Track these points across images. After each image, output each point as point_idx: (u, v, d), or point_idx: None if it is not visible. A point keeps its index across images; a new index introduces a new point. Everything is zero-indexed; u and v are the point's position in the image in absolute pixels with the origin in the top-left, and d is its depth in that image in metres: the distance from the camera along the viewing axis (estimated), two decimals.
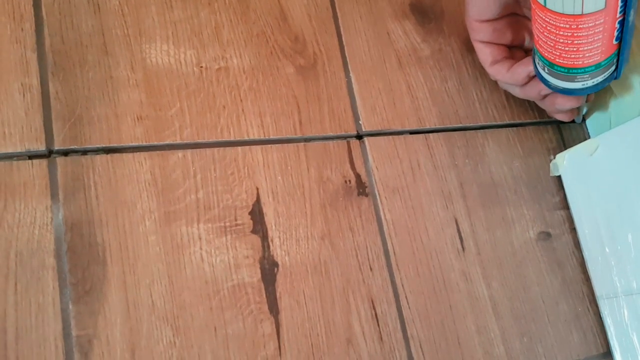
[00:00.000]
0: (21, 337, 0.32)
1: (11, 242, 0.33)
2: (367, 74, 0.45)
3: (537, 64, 0.41)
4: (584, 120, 0.51)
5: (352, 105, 0.44)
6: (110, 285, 0.34)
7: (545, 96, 0.44)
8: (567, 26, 0.35)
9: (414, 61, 0.47)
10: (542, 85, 0.42)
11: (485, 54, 0.45)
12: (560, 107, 0.44)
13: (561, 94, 0.42)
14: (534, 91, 0.43)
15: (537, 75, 0.41)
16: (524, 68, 0.43)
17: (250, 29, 0.43)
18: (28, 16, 0.37)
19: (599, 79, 0.39)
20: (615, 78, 0.40)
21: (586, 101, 0.47)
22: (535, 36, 0.38)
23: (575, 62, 0.37)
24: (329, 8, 0.46)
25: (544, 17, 0.36)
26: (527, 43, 0.46)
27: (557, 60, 0.38)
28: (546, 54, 0.38)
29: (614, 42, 0.36)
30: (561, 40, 0.36)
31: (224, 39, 0.42)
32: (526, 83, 0.44)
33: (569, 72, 0.38)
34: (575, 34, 0.35)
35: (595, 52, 0.36)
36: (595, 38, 0.35)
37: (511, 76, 0.44)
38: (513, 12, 0.45)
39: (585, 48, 0.36)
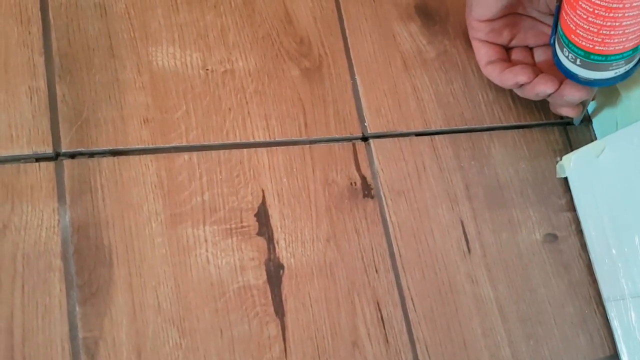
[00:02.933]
0: (28, 339, 0.32)
1: (18, 245, 0.33)
2: (373, 76, 0.45)
3: (565, 58, 0.40)
4: (589, 121, 0.51)
5: (357, 107, 0.44)
6: (116, 287, 0.34)
7: (549, 95, 0.44)
8: (621, 6, 0.34)
9: (419, 63, 0.47)
10: (542, 87, 0.42)
11: (480, 53, 0.45)
12: (569, 99, 0.42)
13: (570, 84, 0.42)
14: (530, 93, 0.43)
15: (563, 71, 0.41)
16: (512, 76, 0.43)
17: (255, 32, 0.43)
18: (35, 20, 0.37)
19: (631, 64, 0.39)
20: None
21: (592, 99, 0.46)
22: (571, 26, 0.37)
23: (617, 48, 0.37)
24: (334, 10, 0.46)
25: (594, 0, 0.35)
26: (531, 43, 0.46)
27: (597, 47, 0.37)
28: (584, 43, 0.37)
29: None
30: (608, 24, 0.35)
31: (230, 42, 0.42)
32: (519, 88, 0.44)
33: (607, 60, 0.38)
34: (626, 14, 0.35)
35: (638, 34, 0.36)
36: None
37: (500, 81, 0.44)
38: (515, 12, 0.45)
39: (631, 30, 0.36)
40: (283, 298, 0.38)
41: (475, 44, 0.45)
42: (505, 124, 0.48)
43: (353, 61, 0.45)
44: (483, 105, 0.48)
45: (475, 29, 0.45)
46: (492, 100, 0.48)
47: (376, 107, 0.44)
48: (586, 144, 0.46)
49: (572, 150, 0.48)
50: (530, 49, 0.46)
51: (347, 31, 0.45)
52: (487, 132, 0.47)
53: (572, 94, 0.42)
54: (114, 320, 0.34)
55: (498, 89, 0.48)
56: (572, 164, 0.46)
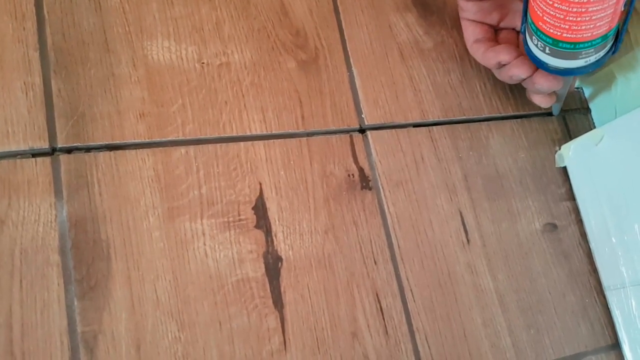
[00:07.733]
0: (27, 334, 0.32)
1: (16, 240, 0.33)
2: (369, 68, 0.45)
3: (534, 46, 0.39)
4: (588, 110, 0.51)
5: (354, 98, 0.44)
6: (114, 281, 0.34)
7: (523, 80, 0.43)
8: None
9: (416, 54, 0.47)
10: (515, 71, 0.41)
11: (468, 32, 0.45)
12: (539, 88, 0.42)
13: (542, 73, 0.41)
14: (505, 76, 0.43)
15: (533, 60, 0.40)
16: (494, 55, 0.42)
17: (251, 24, 0.43)
18: (30, 15, 0.37)
19: (602, 53, 0.38)
20: (613, 53, 0.39)
21: (568, 91, 0.46)
22: (538, 13, 0.37)
23: (584, 35, 0.36)
24: (330, 2, 0.45)
25: None
26: (518, 25, 0.46)
27: (564, 35, 0.36)
28: (551, 31, 0.37)
29: (622, 9, 0.36)
30: (574, 10, 0.35)
31: (225, 35, 0.42)
32: (500, 68, 0.43)
33: (575, 48, 0.37)
34: (591, 0, 0.34)
35: (606, 20, 0.35)
36: (610, 3, 0.34)
37: (483, 59, 0.44)
38: None
39: (598, 16, 0.35)
40: (282, 290, 0.37)
41: (464, 23, 0.45)
42: (503, 114, 0.48)
43: (349, 53, 0.45)
44: (481, 95, 0.48)
45: (463, 10, 0.45)
46: (490, 90, 0.48)
47: (373, 99, 0.44)
48: (585, 132, 0.46)
49: (571, 139, 0.48)
50: (518, 33, 0.46)
51: (343, 22, 0.45)
52: (486, 122, 0.47)
53: (541, 83, 0.42)
54: (113, 314, 0.34)
55: (496, 79, 0.48)
56: (571, 153, 0.46)
